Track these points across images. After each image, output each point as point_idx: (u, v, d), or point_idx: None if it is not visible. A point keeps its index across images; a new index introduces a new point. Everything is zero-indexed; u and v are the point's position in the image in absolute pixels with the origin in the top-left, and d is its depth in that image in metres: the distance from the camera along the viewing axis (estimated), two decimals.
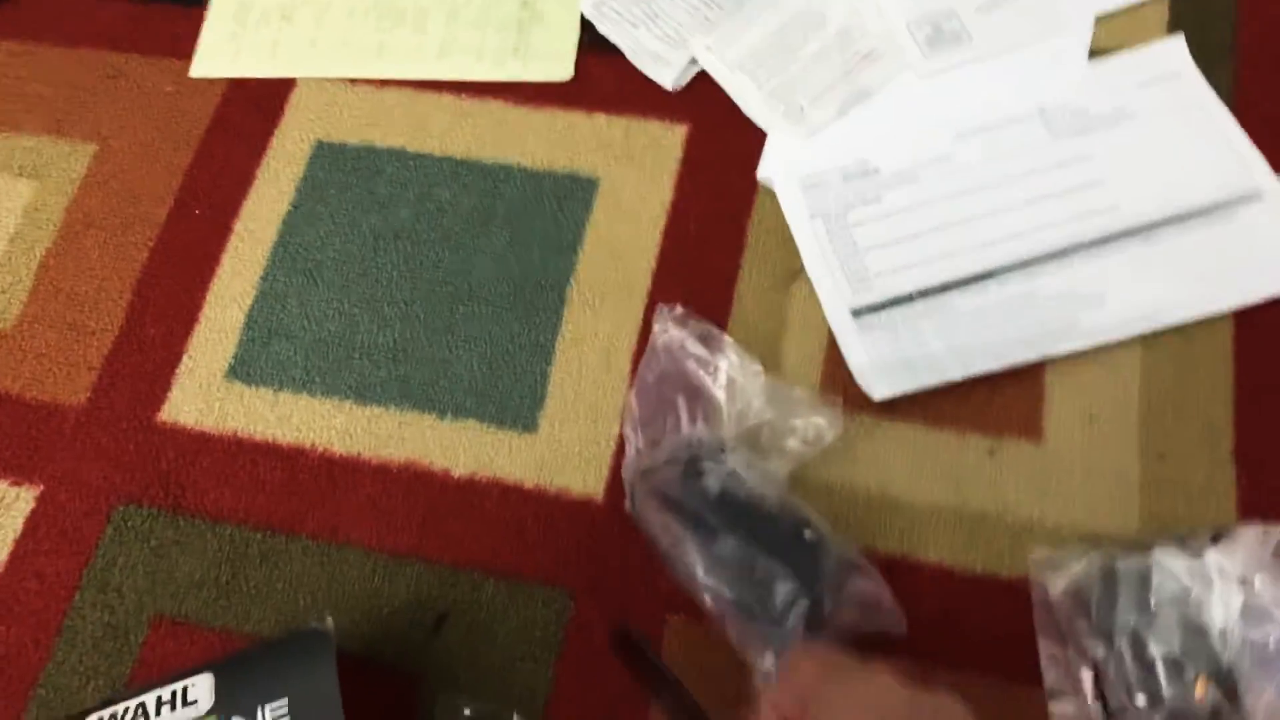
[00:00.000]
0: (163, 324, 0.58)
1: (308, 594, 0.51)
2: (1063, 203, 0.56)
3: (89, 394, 0.56)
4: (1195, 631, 0.44)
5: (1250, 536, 0.45)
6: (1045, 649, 0.47)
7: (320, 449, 0.54)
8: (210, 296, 0.59)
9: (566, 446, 0.54)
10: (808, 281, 0.56)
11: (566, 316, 0.57)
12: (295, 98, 0.64)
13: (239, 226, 0.60)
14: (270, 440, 0.55)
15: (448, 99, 0.63)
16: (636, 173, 0.60)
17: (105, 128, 0.64)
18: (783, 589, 0.44)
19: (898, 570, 0.49)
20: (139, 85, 0.65)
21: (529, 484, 0.53)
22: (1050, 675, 0.46)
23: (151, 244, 0.60)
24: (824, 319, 0.55)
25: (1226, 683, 0.43)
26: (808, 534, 0.45)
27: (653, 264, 0.58)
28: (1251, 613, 0.44)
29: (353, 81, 0.64)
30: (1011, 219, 0.56)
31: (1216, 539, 0.45)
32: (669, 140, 0.61)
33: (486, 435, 0.54)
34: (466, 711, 0.47)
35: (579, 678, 0.48)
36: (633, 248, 0.58)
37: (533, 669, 0.49)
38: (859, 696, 0.35)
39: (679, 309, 0.53)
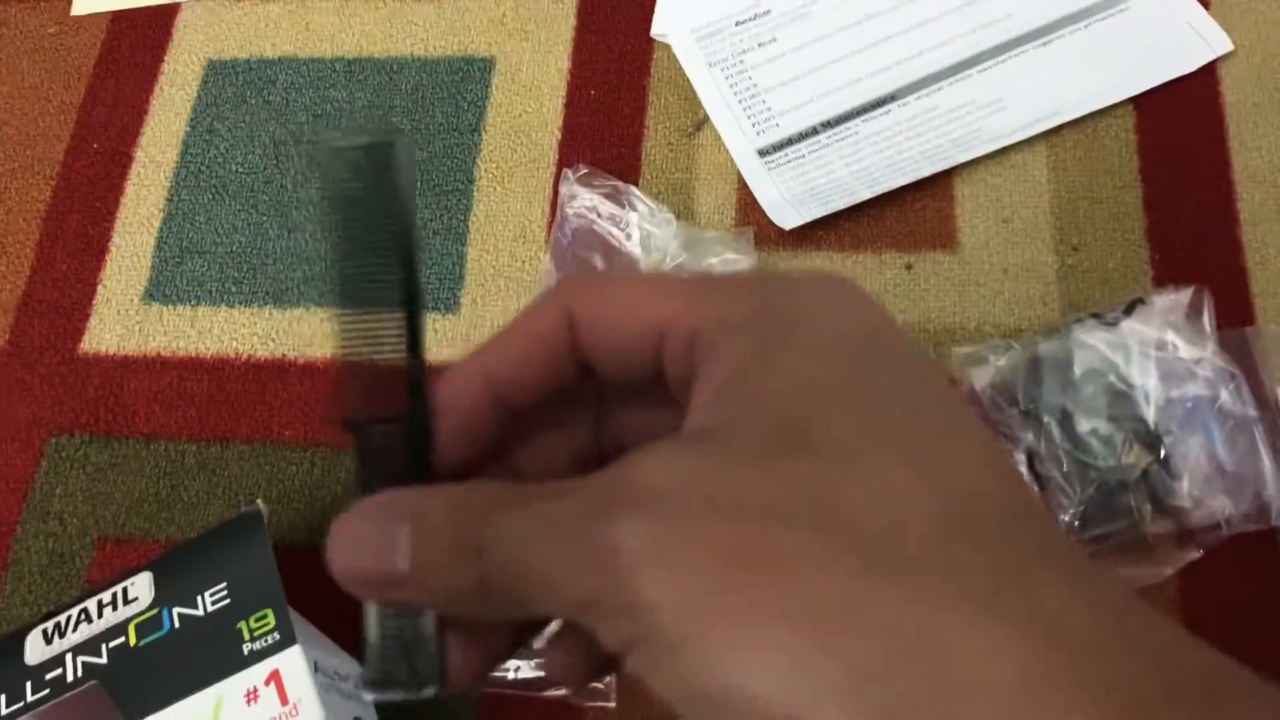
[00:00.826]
0: (73, 258, 0.57)
1: (249, 495, 0.51)
2: (957, 19, 0.56)
3: (8, 335, 0.56)
4: (1120, 399, 0.44)
5: (1163, 301, 0.45)
6: None
7: (244, 357, 0.54)
8: (118, 225, 0.58)
9: (490, 321, 0.53)
10: (713, 129, 0.56)
11: (476, 197, 0.56)
12: (181, 21, 0.63)
13: (139, 154, 0.60)
14: (194, 355, 0.54)
15: (333, 1, 0.62)
16: (531, 47, 0.59)
17: None
18: None
19: None
20: (21, 31, 0.64)
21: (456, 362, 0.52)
22: None
23: (53, 183, 0.59)
24: (732, 164, 0.55)
25: (1154, 444, 0.44)
26: None
27: (557, 135, 0.57)
28: (1171, 373, 0.44)
29: None
30: (906, 41, 0.56)
31: (1130, 309, 0.46)
32: (561, 10, 0.60)
33: None
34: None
35: None
36: (535, 121, 0.58)
37: None
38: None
39: (583, 169, 0.53)
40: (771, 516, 0.17)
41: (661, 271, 0.19)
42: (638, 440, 0.20)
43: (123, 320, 0.55)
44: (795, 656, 0.16)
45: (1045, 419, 0.45)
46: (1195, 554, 0.44)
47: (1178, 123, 0.53)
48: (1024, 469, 0.46)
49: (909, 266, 0.52)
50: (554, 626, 0.24)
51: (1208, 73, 0.54)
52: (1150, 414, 0.44)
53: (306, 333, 0.54)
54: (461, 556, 0.19)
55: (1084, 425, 0.44)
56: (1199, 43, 0.54)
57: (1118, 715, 0.15)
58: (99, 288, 0.56)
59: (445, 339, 0.53)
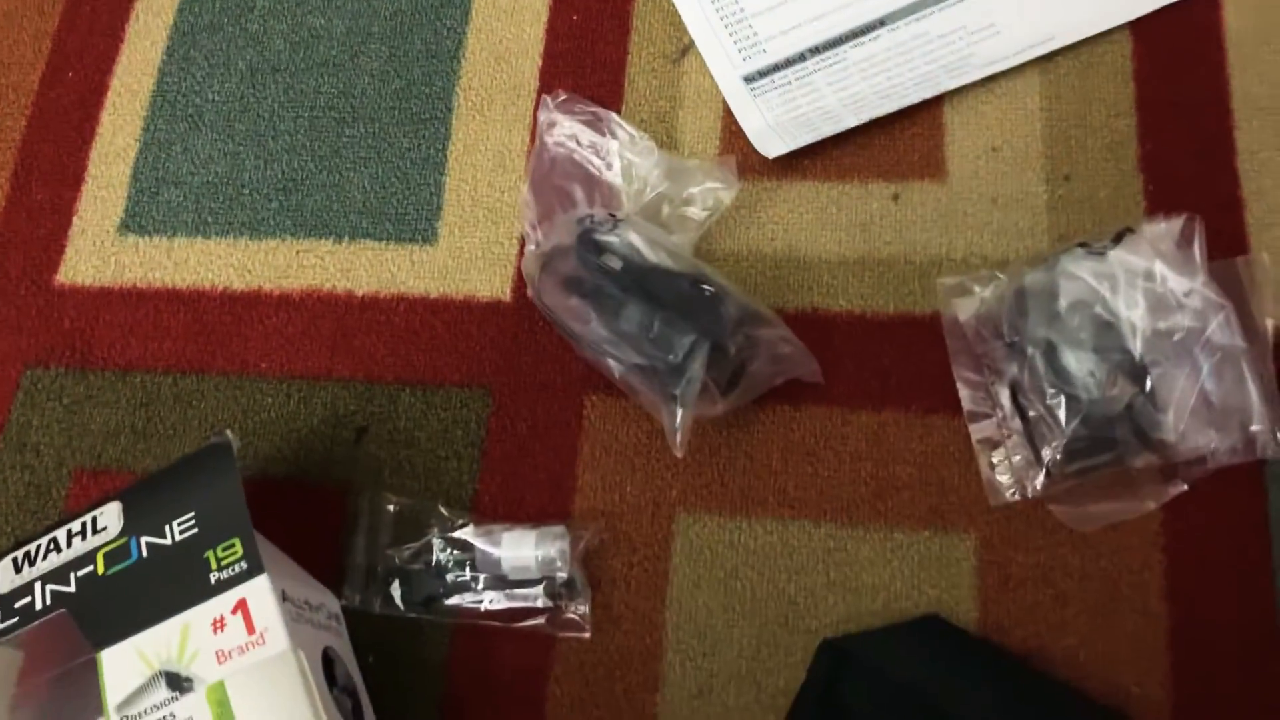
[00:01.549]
0: (49, 188, 0.56)
1: (224, 427, 0.50)
2: None
3: None
4: (1106, 330, 0.43)
5: (1152, 230, 0.44)
6: (961, 375, 0.46)
7: (220, 288, 0.53)
8: (94, 155, 0.57)
9: (469, 252, 0.52)
10: (698, 55, 0.54)
11: (455, 125, 0.55)
12: None
13: (114, 83, 0.58)
14: (170, 287, 0.53)
15: None
16: None
17: None
18: (682, 339, 0.43)
19: (810, 323, 0.48)
20: None
21: (435, 294, 0.52)
22: (968, 399, 0.46)
23: (28, 112, 0.58)
24: (717, 91, 0.54)
25: (1140, 376, 0.43)
26: (706, 288, 0.44)
27: (539, 61, 0.56)
28: (1158, 304, 0.43)
29: None
30: None
31: (1119, 238, 0.44)
32: None
33: (386, 252, 0.53)
34: (391, 508, 0.47)
35: (503, 470, 0.48)
36: (516, 48, 0.56)
37: (457, 466, 0.48)
38: None
39: (562, 95, 0.52)
40: None
41: None
42: None
43: (99, 251, 0.55)
44: None
45: (1030, 351, 0.44)
46: (1180, 488, 0.43)
47: (1176, 49, 0.51)
48: (1008, 402, 0.45)
49: (896, 196, 0.50)
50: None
51: None
52: (1136, 346, 0.42)
53: (281, 264, 0.53)
54: None
55: (1068, 356, 0.43)
56: None
57: None
58: (74, 219, 0.56)
59: (423, 270, 0.52)
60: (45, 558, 0.42)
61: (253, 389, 0.51)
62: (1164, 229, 0.44)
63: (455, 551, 0.46)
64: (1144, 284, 0.43)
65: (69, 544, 0.42)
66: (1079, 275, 0.44)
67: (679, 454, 0.43)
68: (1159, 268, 0.43)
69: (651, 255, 0.46)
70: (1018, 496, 0.44)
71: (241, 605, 0.39)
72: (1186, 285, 0.43)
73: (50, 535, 0.43)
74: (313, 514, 0.48)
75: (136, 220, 0.55)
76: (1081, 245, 0.45)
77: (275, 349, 0.52)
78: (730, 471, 0.47)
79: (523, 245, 0.52)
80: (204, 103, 0.57)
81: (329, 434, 0.50)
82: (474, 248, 0.52)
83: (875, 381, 0.47)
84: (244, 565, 0.39)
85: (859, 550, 0.45)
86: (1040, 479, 0.44)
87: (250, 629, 0.38)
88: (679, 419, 0.43)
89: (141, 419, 0.51)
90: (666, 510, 0.46)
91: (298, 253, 0.53)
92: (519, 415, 0.49)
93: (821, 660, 0.43)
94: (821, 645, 0.43)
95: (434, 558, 0.46)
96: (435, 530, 0.46)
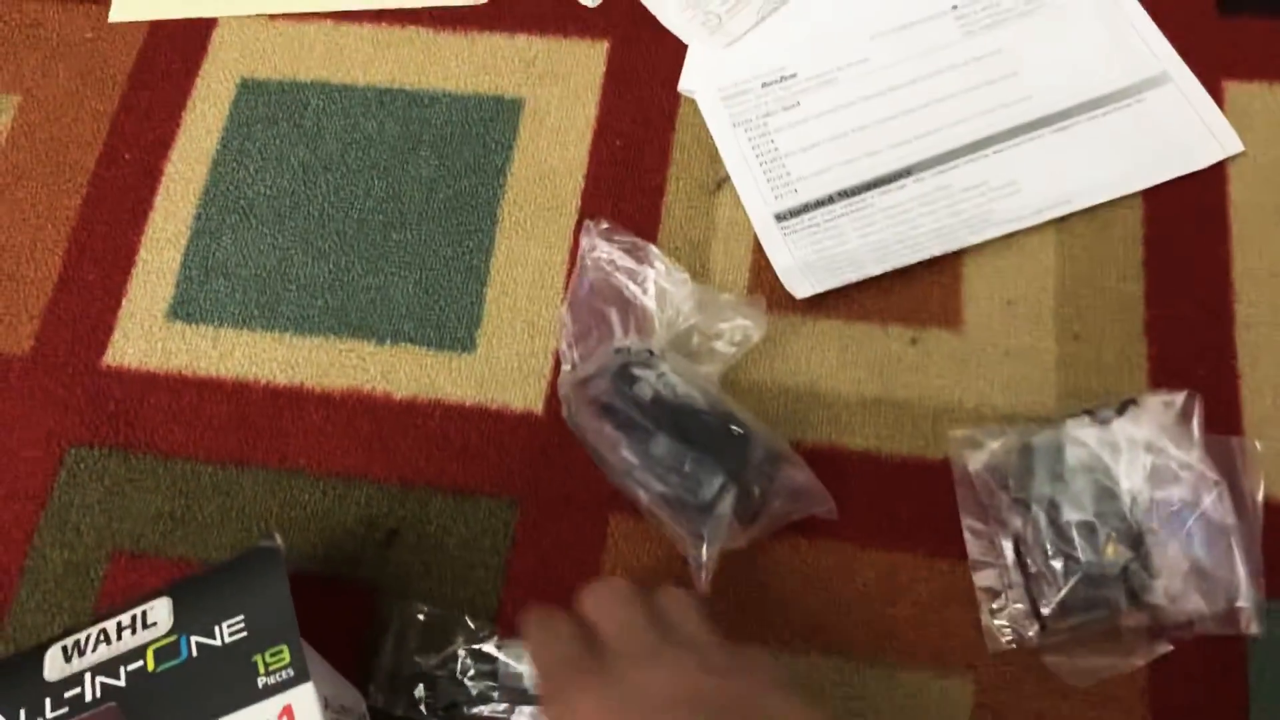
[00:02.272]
0: (100, 269, 0.59)
1: (260, 520, 0.52)
2: (977, 97, 0.57)
3: (32, 342, 0.57)
4: (1106, 496, 0.46)
5: (1155, 404, 0.47)
6: (967, 524, 0.49)
7: (264, 382, 0.55)
8: (145, 240, 0.59)
9: (505, 364, 0.55)
10: (733, 189, 0.57)
11: (499, 238, 0.58)
12: (216, 37, 0.64)
13: (169, 169, 0.61)
14: (214, 376, 0.56)
15: (368, 29, 0.63)
16: (561, 92, 0.61)
17: (28, 79, 0.64)
18: (712, 480, 0.46)
19: (827, 459, 0.51)
20: (59, 33, 0.65)
21: (470, 402, 0.54)
22: (973, 547, 0.49)
23: (83, 191, 0.61)
24: (749, 225, 0.57)
25: (1136, 542, 0.45)
26: (735, 429, 0.47)
27: (581, 182, 0.59)
28: (1158, 475, 0.46)
29: (273, 17, 0.64)
30: (927, 116, 0.57)
31: (1123, 409, 0.47)
32: (591, 57, 0.61)
33: (426, 358, 0.55)
34: (420, 616, 0.49)
35: (526, 582, 0.50)
36: (560, 167, 0.59)
37: (483, 575, 0.51)
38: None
39: (604, 223, 0.55)
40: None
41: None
42: None
43: (146, 335, 0.57)
44: None
45: (1034, 508, 0.47)
46: (1166, 648, 0.46)
47: (1184, 219, 0.55)
48: (1010, 554, 0.48)
49: (914, 341, 0.53)
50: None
51: (1217, 171, 0.55)
52: (1134, 513, 0.45)
53: (325, 361, 0.55)
54: None
55: (1069, 516, 0.46)
56: (1211, 141, 0.55)
57: None
58: (124, 301, 0.58)
59: (460, 378, 0.55)
60: (95, 649, 0.44)
61: (290, 484, 0.53)
62: (1165, 402, 0.47)
63: (479, 663, 0.48)
64: (1144, 455, 0.46)
65: (119, 636, 0.44)
66: (1084, 441, 0.47)
67: (704, 590, 0.46)
68: (1159, 440, 0.46)
69: (683, 390, 0.49)
70: (1014, 645, 0.47)
71: (287, 711, 0.41)
72: (1184, 459, 0.46)
73: (101, 626, 0.45)
74: (340, 612, 0.51)
75: (184, 307, 0.57)
76: (1088, 413, 0.48)
77: (314, 446, 0.54)
78: (746, 601, 0.49)
79: (557, 361, 0.55)
80: (255, 195, 0.60)
81: (361, 534, 0.52)
82: (510, 359, 0.55)
83: (886, 521, 0.50)
84: (291, 672, 0.41)
85: (865, 686, 0.47)
86: (1035, 630, 0.46)
87: None
88: (705, 556, 0.45)
89: (181, 506, 0.53)
90: None
91: (340, 352, 0.56)
92: (545, 529, 0.51)
93: None
94: None
95: (458, 666, 0.48)
96: (461, 640, 0.49)
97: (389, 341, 0.56)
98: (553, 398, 0.54)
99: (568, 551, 0.51)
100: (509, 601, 0.50)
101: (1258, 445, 0.47)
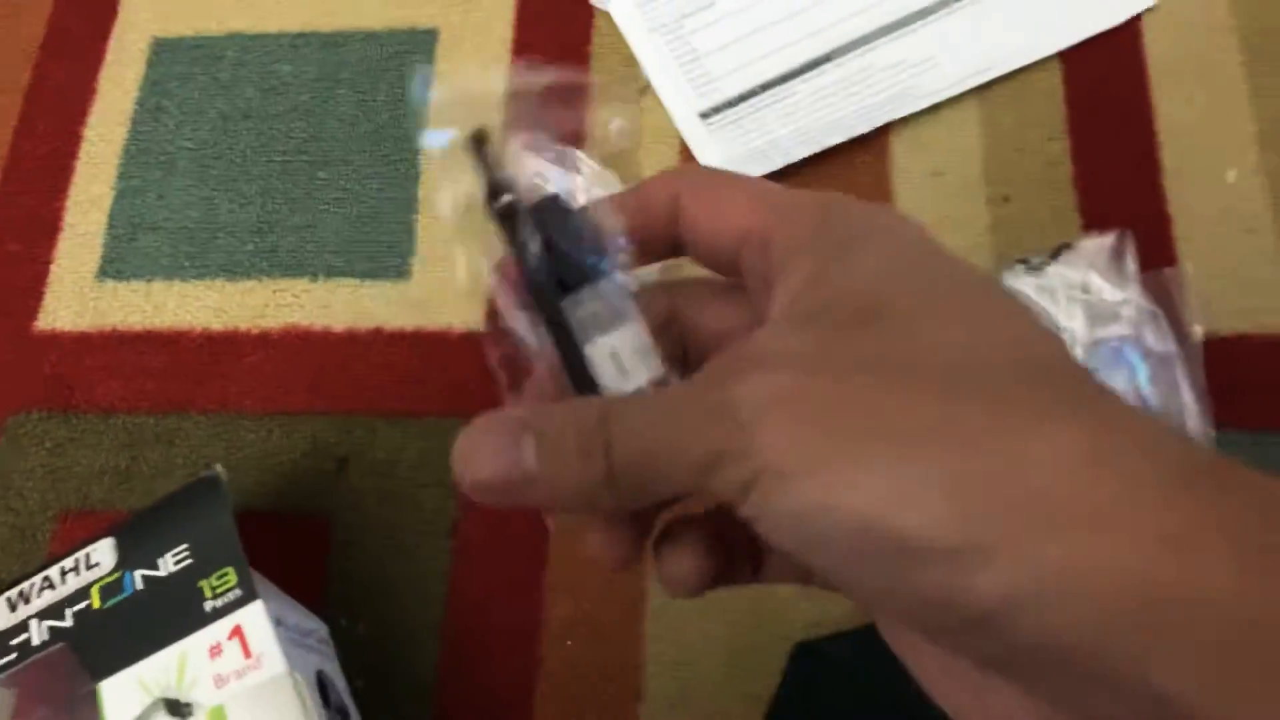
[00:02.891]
0: (25, 239, 0.58)
1: (207, 464, 0.51)
2: None
3: None
4: None
5: (1088, 245, 0.47)
6: None
7: (199, 329, 0.55)
8: (69, 204, 0.58)
9: (442, 287, 0.54)
10: (654, 94, 0.57)
11: (425, 165, 0.57)
12: (126, 0, 0.63)
13: (87, 133, 0.60)
14: (149, 329, 0.55)
15: None
16: (475, 17, 0.60)
17: None
18: None
19: None
20: None
21: (410, 327, 0.54)
22: None
23: (2, 164, 0.60)
24: (675, 128, 0.56)
25: None
26: None
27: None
28: (1097, 314, 0.46)
29: None
30: (835, 4, 0.57)
31: (1057, 254, 0.47)
32: None
33: (361, 289, 0.55)
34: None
35: None
36: (480, 89, 0.58)
37: (438, 493, 0.50)
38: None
39: (527, 136, 0.54)
40: (862, 369, 0.20)
41: (760, 181, 0.24)
42: (713, 340, 0.26)
43: (78, 297, 0.56)
44: (894, 466, 0.19)
45: None
46: None
47: (1103, 76, 0.55)
48: None
49: None
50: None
51: (1131, 26, 0.55)
52: (1078, 354, 0.45)
53: (259, 303, 0.55)
54: (588, 451, 0.22)
55: None
56: None
57: (1176, 475, 0.18)
58: (52, 266, 0.57)
59: (398, 305, 0.54)
60: (40, 595, 0.44)
61: (234, 426, 0.52)
62: (1098, 244, 0.47)
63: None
64: (1081, 296, 0.46)
65: (63, 580, 0.44)
66: (1020, 290, 0.47)
67: None
68: (1094, 280, 0.46)
69: None
70: None
71: (238, 631, 0.40)
72: (1120, 296, 0.46)
73: (43, 574, 0.44)
74: (298, 544, 0.50)
75: (114, 265, 0.57)
76: (1021, 262, 0.48)
77: (255, 386, 0.53)
78: None
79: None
80: (177, 150, 0.59)
81: (311, 466, 0.51)
82: (447, 282, 0.54)
83: None
84: (239, 593, 0.41)
85: None
86: None
87: (247, 653, 0.40)
88: None
89: (125, 459, 0.52)
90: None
91: (274, 292, 0.55)
92: None
93: (796, 663, 0.45)
94: (795, 648, 0.45)
95: None
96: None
97: (322, 277, 0.55)
98: (494, 315, 0.53)
99: None
100: (465, 519, 0.50)
101: (1190, 268, 0.47)
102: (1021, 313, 0.22)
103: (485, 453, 0.22)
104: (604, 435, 0.22)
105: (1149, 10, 0.55)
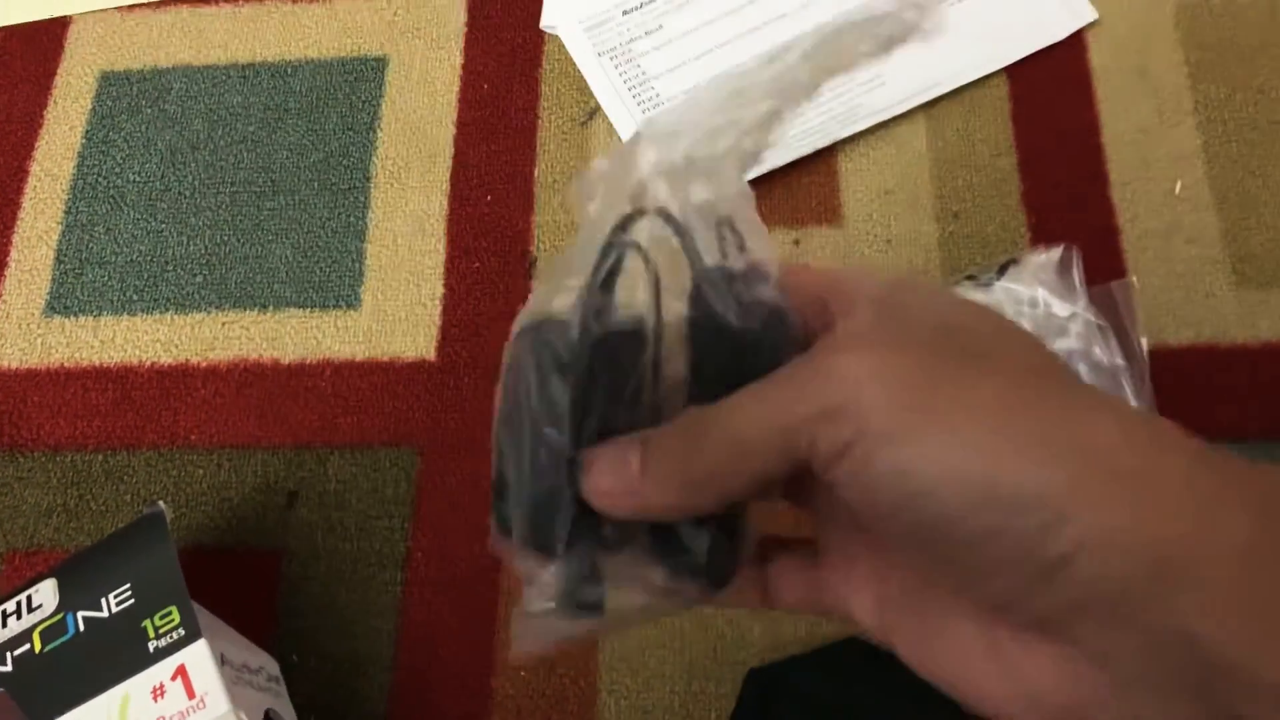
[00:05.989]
0: None
1: (156, 500, 0.51)
2: (835, 0, 0.58)
3: None
4: None
5: (1034, 260, 0.47)
6: None
7: (148, 363, 0.54)
8: (16, 239, 0.58)
9: (392, 315, 0.54)
10: (605, 117, 0.57)
11: (374, 193, 0.57)
12: (72, 34, 0.63)
13: (34, 168, 0.59)
14: (97, 365, 0.54)
15: (225, 8, 0.62)
16: (424, 44, 0.60)
17: None
18: None
19: None
20: None
21: (360, 357, 0.53)
22: None
23: None
24: None
25: None
26: None
27: (453, 129, 0.58)
28: (1045, 328, 0.46)
29: (130, 8, 0.63)
30: (788, 25, 0.57)
31: (1003, 270, 0.47)
32: (450, 7, 0.61)
33: (310, 319, 0.54)
34: None
35: (433, 527, 0.49)
36: (430, 117, 0.58)
37: (389, 525, 0.49)
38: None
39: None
40: (941, 355, 0.23)
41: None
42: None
43: (24, 334, 0.55)
44: (994, 431, 0.22)
45: None
46: None
47: (1049, 90, 0.55)
48: None
49: (796, 242, 0.53)
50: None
51: (1076, 41, 0.56)
52: None
53: (208, 336, 0.54)
54: (689, 454, 0.24)
55: None
56: (1066, 12, 0.56)
57: (1197, 454, 0.22)
58: None
59: (347, 335, 0.54)
60: None
61: (183, 461, 0.52)
62: (1044, 259, 0.47)
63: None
64: (1029, 310, 0.46)
65: (4, 624, 0.43)
66: None
67: None
68: (1041, 295, 0.46)
69: None
70: None
71: (181, 671, 0.40)
72: (1069, 310, 0.46)
73: None
74: (248, 580, 0.49)
75: (61, 301, 0.56)
76: (969, 278, 0.48)
77: (204, 420, 0.52)
78: None
79: (445, 306, 0.54)
80: (125, 183, 0.58)
81: (261, 501, 0.51)
82: (397, 310, 0.54)
83: None
84: (182, 632, 0.40)
85: None
86: None
87: (190, 694, 0.39)
88: None
89: (73, 498, 0.52)
90: None
91: (223, 325, 0.54)
92: (448, 473, 0.50)
93: (750, 689, 0.44)
94: (749, 674, 0.45)
95: None
96: None
97: (271, 308, 0.55)
98: (444, 343, 0.53)
99: (473, 492, 0.50)
100: (417, 550, 0.49)
101: (1135, 281, 0.47)
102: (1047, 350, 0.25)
103: (602, 464, 0.25)
104: (702, 423, 0.24)
105: (1093, 24, 0.56)
